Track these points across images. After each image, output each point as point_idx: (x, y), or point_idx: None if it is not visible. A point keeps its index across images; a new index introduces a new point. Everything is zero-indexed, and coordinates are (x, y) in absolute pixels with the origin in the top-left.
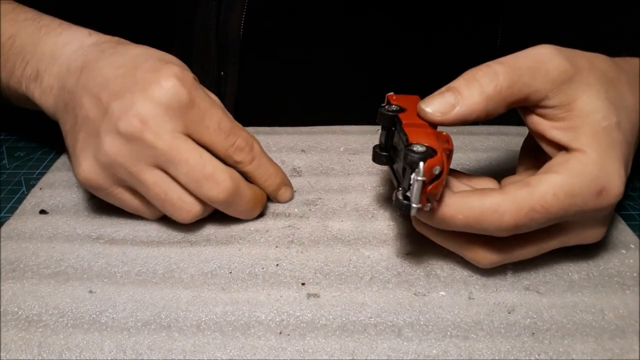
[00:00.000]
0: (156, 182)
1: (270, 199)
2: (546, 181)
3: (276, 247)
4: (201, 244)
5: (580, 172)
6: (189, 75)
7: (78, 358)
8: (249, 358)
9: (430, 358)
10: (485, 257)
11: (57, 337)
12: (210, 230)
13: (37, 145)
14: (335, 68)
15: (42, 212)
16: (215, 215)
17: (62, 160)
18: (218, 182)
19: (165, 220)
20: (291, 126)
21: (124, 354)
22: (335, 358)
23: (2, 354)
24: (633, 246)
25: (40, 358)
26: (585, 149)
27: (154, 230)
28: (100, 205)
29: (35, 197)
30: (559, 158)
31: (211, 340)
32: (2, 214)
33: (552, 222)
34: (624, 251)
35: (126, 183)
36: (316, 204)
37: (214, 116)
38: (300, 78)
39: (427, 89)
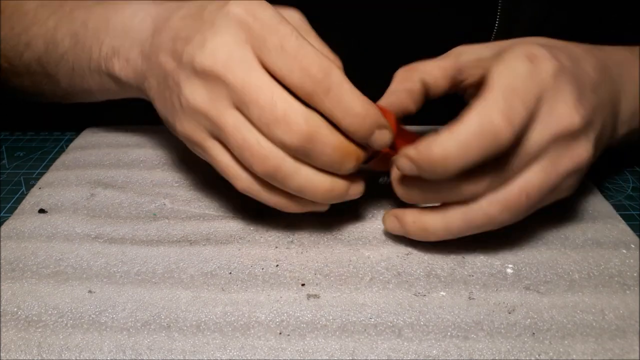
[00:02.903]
0: (235, 124)
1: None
2: (496, 80)
3: (276, 247)
4: (201, 243)
5: (505, 58)
6: (258, 2)
7: (77, 358)
8: (249, 358)
9: (430, 358)
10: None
11: (57, 337)
12: (209, 230)
13: (37, 145)
14: (348, 62)
15: (41, 211)
16: (216, 216)
17: (62, 160)
18: (290, 124)
19: (166, 220)
20: None
21: (123, 354)
22: (335, 358)
23: (1, 354)
24: (633, 246)
25: (39, 358)
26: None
27: (154, 229)
28: (100, 204)
29: (35, 197)
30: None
31: (211, 341)
32: (1, 214)
33: (525, 104)
34: (624, 251)
35: (214, 134)
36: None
37: (275, 34)
38: None
39: None
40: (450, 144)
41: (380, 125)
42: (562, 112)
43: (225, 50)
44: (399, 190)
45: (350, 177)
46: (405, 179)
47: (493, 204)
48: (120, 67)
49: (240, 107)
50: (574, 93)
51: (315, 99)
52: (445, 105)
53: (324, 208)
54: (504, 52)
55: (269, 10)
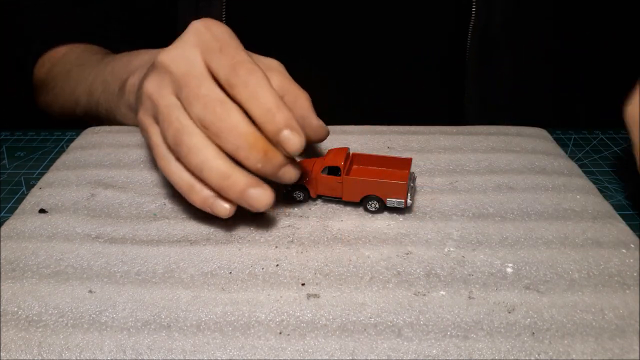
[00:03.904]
0: (167, 104)
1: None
2: None
3: (276, 247)
4: (201, 243)
5: None
6: (219, 23)
7: (78, 358)
8: (249, 358)
9: (430, 358)
10: None
11: (57, 337)
12: (210, 229)
13: (38, 145)
14: (327, 68)
15: (42, 211)
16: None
17: (62, 160)
18: (207, 103)
19: (166, 220)
20: None
21: (123, 353)
22: (335, 358)
23: (2, 354)
24: (633, 246)
25: (40, 358)
26: None
27: (154, 229)
28: (100, 204)
29: (35, 197)
30: None
31: (211, 340)
32: (2, 214)
33: None
34: (624, 251)
35: (155, 116)
36: (316, 204)
37: (219, 42)
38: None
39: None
40: None
41: (291, 126)
42: None
43: (178, 49)
44: None
45: (257, 179)
46: None
47: None
48: (127, 92)
49: (178, 93)
50: None
51: (235, 90)
52: (440, 105)
53: (224, 211)
54: None
55: (223, 28)
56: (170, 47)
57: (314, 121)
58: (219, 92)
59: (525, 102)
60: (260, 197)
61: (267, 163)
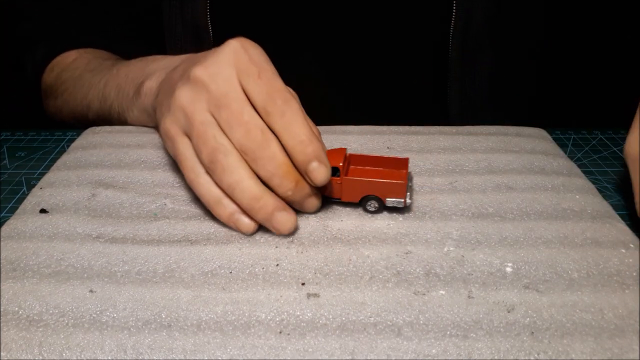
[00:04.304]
0: (202, 121)
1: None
2: None
3: (276, 247)
4: (201, 243)
5: None
6: (254, 44)
7: (78, 357)
8: (249, 357)
9: (429, 357)
10: None
11: (58, 336)
12: (210, 229)
13: (38, 145)
14: (319, 70)
15: (43, 211)
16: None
17: (63, 160)
18: (249, 130)
19: (166, 219)
20: None
21: (124, 353)
22: (335, 357)
23: (2, 354)
24: (632, 245)
25: (40, 358)
26: None
27: (154, 229)
28: (101, 204)
29: (36, 197)
30: None
31: (211, 340)
32: (3, 214)
33: None
34: (623, 250)
35: (185, 130)
36: None
37: (257, 66)
38: (284, 77)
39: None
40: None
41: (320, 159)
42: None
43: (215, 67)
44: None
45: (284, 204)
46: None
47: None
48: (143, 96)
49: (214, 112)
50: None
51: (271, 119)
52: (424, 104)
53: (249, 228)
54: None
55: (259, 50)
56: (207, 63)
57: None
58: (259, 120)
59: (509, 100)
60: (287, 221)
61: (297, 192)
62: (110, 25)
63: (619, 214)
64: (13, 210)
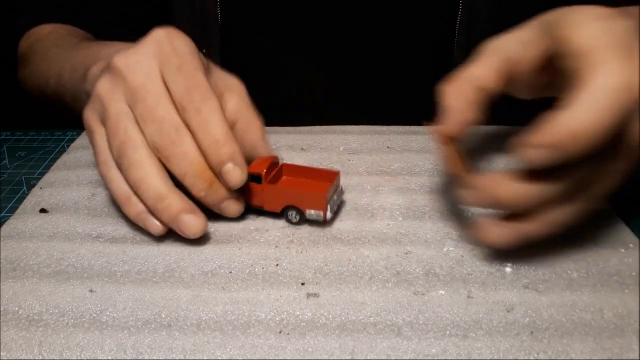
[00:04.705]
0: (117, 111)
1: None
2: (594, 82)
3: (276, 247)
4: (201, 243)
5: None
6: (182, 35)
7: (79, 357)
8: (249, 357)
9: (429, 357)
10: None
11: (58, 336)
12: (210, 229)
13: (38, 145)
14: (320, 68)
15: (43, 211)
16: (216, 215)
17: (63, 160)
18: (163, 126)
19: None
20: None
21: (124, 353)
22: (335, 357)
23: (3, 354)
24: (632, 246)
25: (41, 357)
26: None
27: None
28: (101, 204)
29: (36, 197)
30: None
31: (211, 340)
32: (3, 214)
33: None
34: (623, 250)
35: (103, 120)
36: None
37: (179, 58)
38: (287, 75)
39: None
40: (584, 110)
41: (236, 161)
42: None
43: (136, 57)
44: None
45: (192, 205)
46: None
47: None
48: (87, 82)
49: (131, 104)
50: None
51: (187, 115)
52: (430, 103)
53: (156, 229)
54: (562, 20)
55: (186, 42)
56: (129, 52)
57: (263, 151)
58: (175, 115)
59: (512, 101)
60: (192, 224)
61: (212, 194)
62: (100, 7)
63: (619, 214)
64: (13, 210)
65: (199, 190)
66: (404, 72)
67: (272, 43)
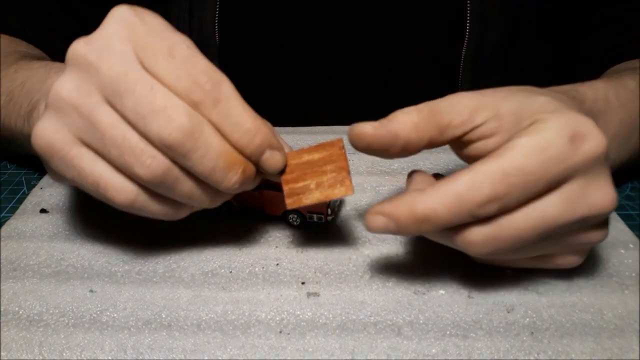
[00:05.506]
0: (111, 121)
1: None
2: (512, 146)
3: (276, 246)
4: (201, 243)
5: (544, 128)
6: (149, 11)
7: (79, 357)
8: (249, 357)
9: (429, 357)
10: (476, 235)
11: (58, 336)
12: (210, 229)
13: None
14: (330, 89)
15: (43, 211)
16: (216, 215)
17: None
18: (170, 117)
19: None
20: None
21: (124, 353)
22: (335, 357)
23: (3, 354)
24: (632, 246)
25: (41, 357)
26: (540, 117)
27: (155, 229)
28: (101, 204)
29: (36, 197)
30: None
31: (211, 339)
32: (3, 214)
33: (536, 185)
34: (622, 251)
35: (84, 136)
36: None
37: (164, 40)
38: (286, 79)
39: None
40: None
41: (272, 146)
42: (596, 198)
43: (103, 41)
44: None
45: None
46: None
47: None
48: (34, 120)
49: (113, 101)
50: (608, 176)
51: (203, 109)
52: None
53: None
54: (539, 120)
55: (159, 19)
56: (91, 37)
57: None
58: (179, 100)
59: None
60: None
61: (246, 180)
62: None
63: (619, 214)
64: (13, 210)
65: (232, 182)
66: (410, 95)
67: (271, 56)
